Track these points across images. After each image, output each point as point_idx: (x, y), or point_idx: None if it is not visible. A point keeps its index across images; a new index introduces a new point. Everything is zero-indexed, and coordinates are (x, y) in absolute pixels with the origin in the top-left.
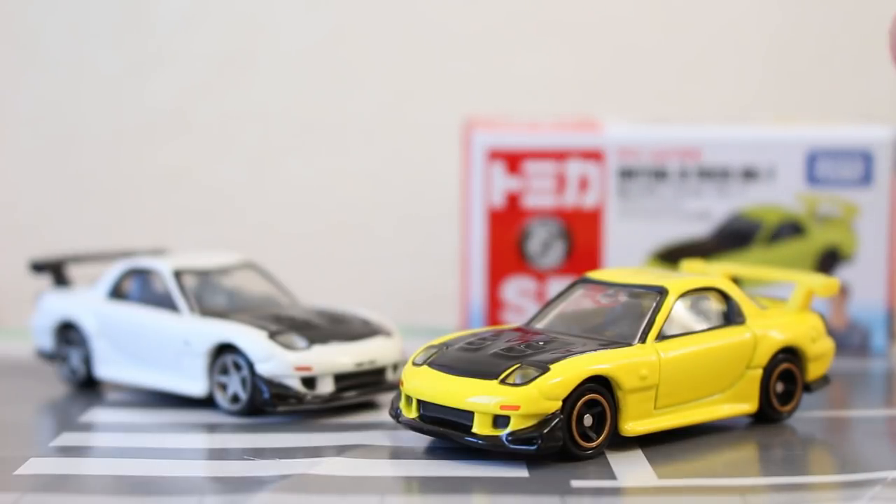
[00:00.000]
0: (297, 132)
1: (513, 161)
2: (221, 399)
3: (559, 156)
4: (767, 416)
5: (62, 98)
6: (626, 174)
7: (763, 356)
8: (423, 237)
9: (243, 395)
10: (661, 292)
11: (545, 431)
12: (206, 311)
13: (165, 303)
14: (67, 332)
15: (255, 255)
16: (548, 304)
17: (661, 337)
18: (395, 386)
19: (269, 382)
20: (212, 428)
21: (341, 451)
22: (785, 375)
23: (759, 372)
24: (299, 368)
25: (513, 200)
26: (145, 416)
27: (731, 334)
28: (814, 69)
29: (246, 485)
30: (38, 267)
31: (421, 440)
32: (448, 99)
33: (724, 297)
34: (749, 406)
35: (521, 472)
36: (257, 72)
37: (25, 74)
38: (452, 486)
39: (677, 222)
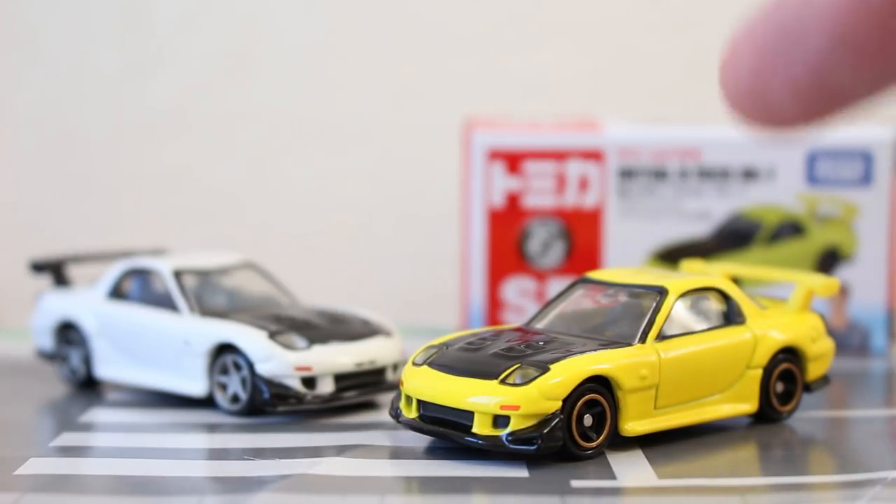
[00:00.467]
0: (298, 132)
1: (513, 161)
2: (221, 399)
3: (559, 156)
4: (767, 416)
5: (62, 98)
6: (626, 174)
7: (763, 356)
8: (423, 237)
9: (243, 395)
10: (661, 292)
11: (545, 431)
12: (206, 311)
13: (165, 303)
14: (67, 332)
15: (255, 255)
16: (548, 304)
17: (661, 337)
18: (395, 386)
19: (269, 382)
20: (212, 428)
21: (341, 451)
22: (785, 375)
23: (759, 372)
24: (299, 368)
25: (513, 200)
26: (145, 416)
27: (731, 334)
28: None
29: (246, 485)
30: (38, 267)
31: (421, 440)
32: (448, 99)
33: (724, 297)
34: (749, 406)
35: (521, 472)
36: (257, 72)
37: (26, 74)
38: (452, 486)
39: (677, 222)
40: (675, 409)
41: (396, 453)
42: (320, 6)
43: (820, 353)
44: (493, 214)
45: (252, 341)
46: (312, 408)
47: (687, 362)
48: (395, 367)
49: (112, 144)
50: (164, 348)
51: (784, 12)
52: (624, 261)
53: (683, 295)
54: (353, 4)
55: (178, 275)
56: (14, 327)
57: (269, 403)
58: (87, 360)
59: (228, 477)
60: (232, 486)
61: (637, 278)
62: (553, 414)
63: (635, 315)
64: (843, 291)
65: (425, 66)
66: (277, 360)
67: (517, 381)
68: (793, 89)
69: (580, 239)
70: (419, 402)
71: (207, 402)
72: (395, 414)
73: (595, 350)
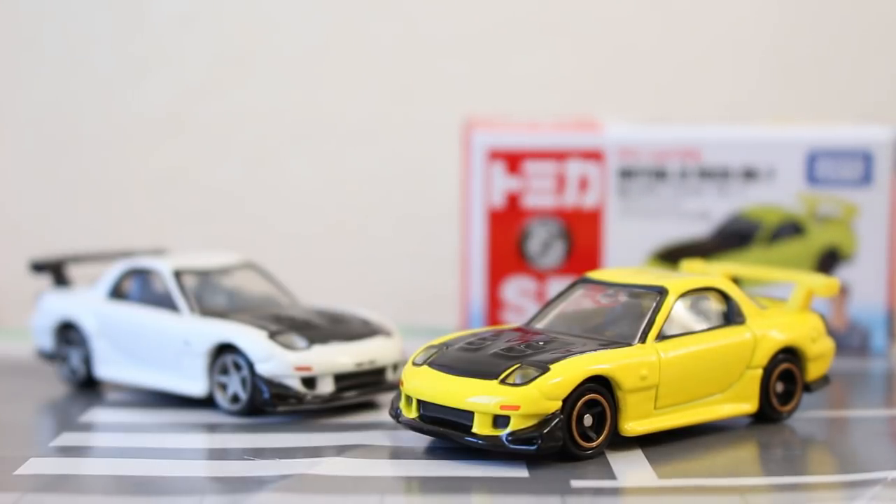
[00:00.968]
0: (297, 132)
1: (513, 161)
2: (221, 399)
3: (559, 156)
4: (767, 416)
5: (62, 98)
6: (626, 174)
7: (763, 356)
8: (423, 237)
9: (243, 395)
10: (661, 292)
11: (545, 431)
12: (206, 311)
13: (165, 303)
14: (67, 332)
15: (255, 255)
16: (548, 304)
17: (661, 337)
18: (395, 386)
19: (269, 382)
20: (212, 428)
21: (341, 451)
22: (785, 375)
23: (759, 372)
24: (299, 368)
25: (513, 200)
26: (145, 416)
27: (731, 334)
28: (813, 69)
29: (246, 485)
30: (38, 267)
31: (421, 440)
32: (448, 99)
33: (724, 297)
34: (749, 406)
35: (521, 472)
36: (257, 72)
37: (25, 75)
38: (452, 486)
39: (677, 222)
40: (675, 409)
41: (396, 453)
42: (319, 6)
43: (820, 353)
44: (493, 214)
45: (252, 341)
46: (312, 408)
47: (687, 362)
48: (395, 367)
49: (112, 144)
50: (164, 348)
51: None
52: (624, 261)
53: (683, 295)
54: (353, 4)
55: (178, 275)
56: (14, 327)
57: (269, 403)
58: (87, 360)
59: (228, 477)
60: (232, 486)
61: (637, 278)
62: (553, 414)
63: (635, 315)
64: (843, 291)
65: (425, 66)
66: (277, 360)
67: (517, 381)
68: None
69: (580, 239)
70: (419, 402)
71: (207, 402)
72: (395, 414)
73: (595, 350)
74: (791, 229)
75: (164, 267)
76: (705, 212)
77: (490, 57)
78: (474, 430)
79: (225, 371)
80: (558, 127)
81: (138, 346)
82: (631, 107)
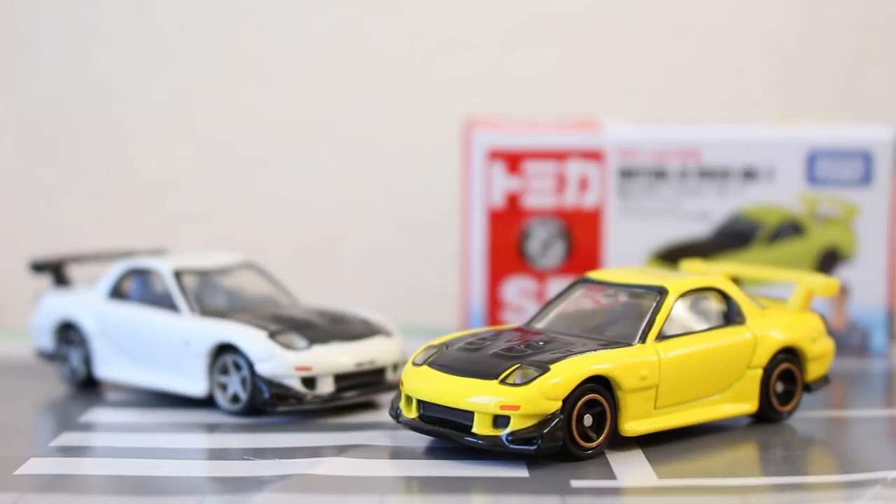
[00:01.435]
0: (298, 132)
1: (513, 161)
2: (221, 399)
3: (559, 156)
4: (767, 416)
5: (62, 98)
6: (626, 174)
7: (763, 356)
8: (424, 237)
9: (243, 395)
10: (661, 292)
11: (545, 431)
12: (206, 311)
13: (165, 303)
14: (67, 332)
15: (255, 255)
16: (548, 304)
17: (661, 337)
18: (395, 386)
19: (269, 382)
20: (212, 428)
21: (341, 451)
22: (785, 375)
23: (759, 372)
24: (299, 368)
25: (513, 200)
26: (145, 416)
27: (731, 334)
28: (814, 69)
29: (246, 485)
30: (38, 267)
31: (421, 440)
32: (448, 99)
33: (724, 297)
34: (749, 406)
35: (521, 472)
36: (257, 71)
37: (25, 74)
38: (452, 486)
39: (677, 222)
40: (675, 409)
41: (396, 453)
42: (320, 7)
43: (820, 353)
44: (493, 214)
45: (252, 341)
46: (312, 408)
47: (687, 362)
48: (395, 367)
49: (112, 144)
50: (164, 348)
51: None
52: (624, 261)
53: (683, 295)
54: (354, 5)
55: (178, 275)
56: (14, 327)
57: (269, 403)
58: (87, 360)
59: (228, 477)
60: (232, 486)
61: (637, 278)
62: (553, 414)
63: (635, 315)
64: (843, 291)
65: (425, 66)
66: (277, 360)
67: (517, 381)
68: None
69: (580, 239)
70: (419, 402)
71: (207, 402)
72: (395, 414)
73: (595, 350)
74: (791, 229)
75: (164, 267)
76: (705, 212)
77: (490, 57)
78: (474, 430)
79: (225, 371)
80: (558, 127)
81: (138, 346)
82: (631, 107)
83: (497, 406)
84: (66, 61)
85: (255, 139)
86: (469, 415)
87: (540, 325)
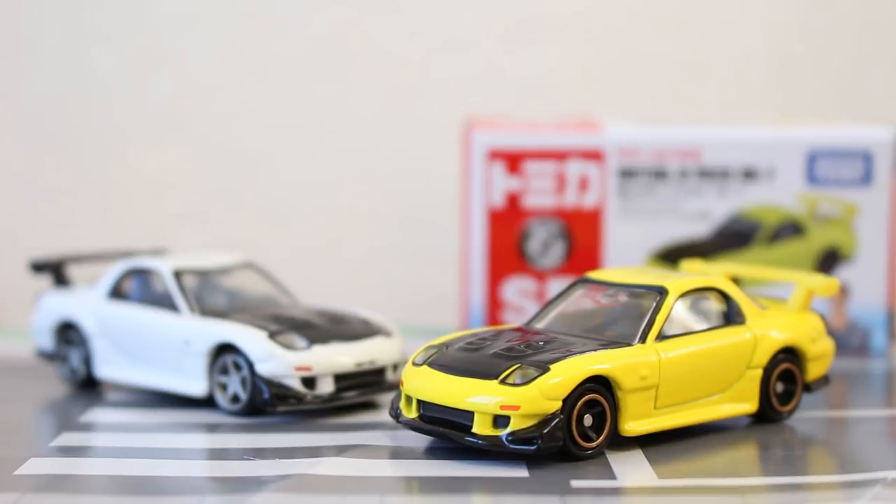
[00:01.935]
0: (298, 132)
1: (513, 161)
2: (221, 399)
3: (559, 156)
4: (767, 416)
5: (62, 98)
6: (626, 174)
7: (763, 356)
8: (424, 237)
9: (243, 395)
10: (661, 292)
11: (545, 431)
12: (206, 311)
13: (165, 303)
14: (67, 332)
15: (255, 255)
16: (548, 304)
17: (661, 337)
18: (395, 386)
19: (269, 382)
20: (212, 428)
21: (341, 451)
22: (785, 375)
23: (759, 372)
24: (299, 368)
25: (513, 200)
26: (145, 416)
27: (731, 334)
28: (814, 69)
29: (246, 485)
30: (38, 267)
31: (421, 440)
32: (448, 99)
33: (724, 297)
34: (749, 406)
35: (521, 472)
36: (257, 72)
37: (25, 74)
38: (452, 486)
39: (677, 222)
40: (675, 409)
41: (396, 453)
42: (320, 7)
43: (820, 353)
44: (493, 214)
45: (252, 341)
46: (312, 408)
47: (687, 362)
48: (395, 367)
49: (112, 144)
50: (164, 348)
51: None
52: (624, 261)
53: (683, 295)
54: (354, 5)
55: (178, 275)
56: (14, 327)
57: (269, 403)
58: (87, 360)
59: (228, 477)
60: (232, 486)
61: (637, 278)
62: (553, 414)
63: (635, 315)
64: (843, 291)
65: (425, 66)
66: (277, 360)
67: (517, 381)
68: None
69: (580, 239)
70: (419, 402)
71: (207, 402)
72: (395, 414)
73: (595, 350)
74: (791, 229)
75: (164, 267)
76: (705, 212)
77: (490, 57)
78: (474, 430)
79: (225, 371)
80: (558, 127)
81: (138, 346)
82: (631, 107)
83: (497, 406)
84: (66, 61)
85: (255, 139)
86: (469, 415)
87: (540, 325)
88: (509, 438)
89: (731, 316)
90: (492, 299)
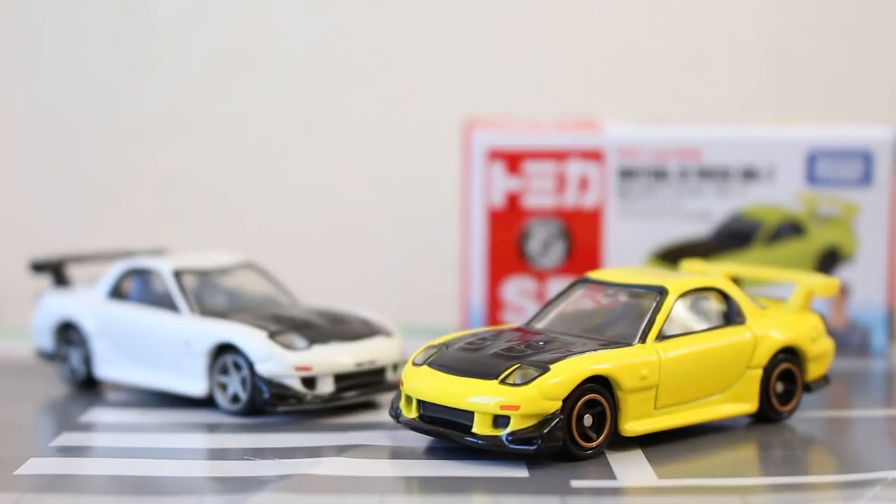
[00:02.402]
0: (297, 132)
1: (513, 161)
2: (221, 399)
3: (559, 156)
4: (767, 416)
5: (62, 98)
6: (626, 174)
7: (763, 356)
8: (423, 237)
9: (243, 395)
10: (661, 292)
11: (545, 431)
12: (206, 311)
13: (165, 303)
14: (67, 332)
15: (255, 255)
16: (548, 304)
17: (662, 337)
18: (395, 386)
19: (269, 382)
20: (212, 428)
21: (341, 451)
22: (785, 375)
23: (759, 372)
24: (299, 368)
25: (513, 200)
26: (145, 416)
27: (731, 334)
28: (813, 69)
29: (246, 485)
30: (38, 267)
31: (421, 440)
32: (448, 99)
33: (724, 297)
34: (749, 406)
35: (521, 472)
36: (257, 72)
37: (25, 74)
38: (452, 486)
39: (677, 222)
40: (675, 409)
41: (396, 453)
42: (320, 6)
43: (820, 353)
44: (493, 214)
45: (252, 341)
46: (312, 408)
47: (687, 362)
48: (395, 367)
49: (111, 144)
50: (164, 348)
51: None
52: (624, 261)
53: (683, 295)
54: (353, 4)
55: (178, 275)
56: (14, 327)
57: (269, 403)
58: (87, 360)
59: (228, 477)
60: (232, 486)
61: (637, 278)
62: (553, 414)
63: (635, 315)
64: (843, 291)
65: (425, 66)
66: (277, 360)
67: (517, 381)
68: None
69: (580, 239)
70: (419, 402)
71: (207, 402)
72: (395, 414)
73: (595, 350)
74: (791, 229)
75: (164, 267)
76: (705, 212)
77: (490, 57)
78: (474, 430)
79: (225, 371)
80: (558, 127)
81: (138, 346)
82: (631, 107)
83: (497, 406)
84: (67, 61)
85: (255, 139)
86: (469, 415)
87: (540, 325)
88: (509, 438)
89: (731, 316)
90: (492, 299)
